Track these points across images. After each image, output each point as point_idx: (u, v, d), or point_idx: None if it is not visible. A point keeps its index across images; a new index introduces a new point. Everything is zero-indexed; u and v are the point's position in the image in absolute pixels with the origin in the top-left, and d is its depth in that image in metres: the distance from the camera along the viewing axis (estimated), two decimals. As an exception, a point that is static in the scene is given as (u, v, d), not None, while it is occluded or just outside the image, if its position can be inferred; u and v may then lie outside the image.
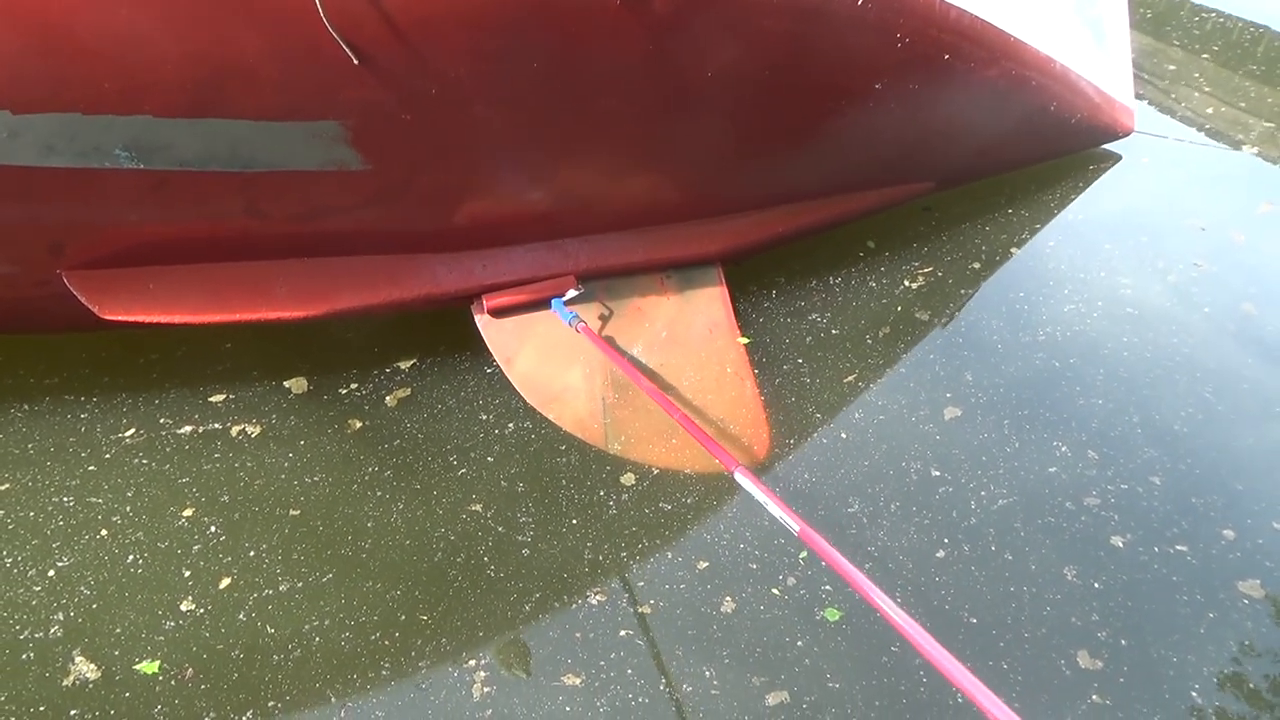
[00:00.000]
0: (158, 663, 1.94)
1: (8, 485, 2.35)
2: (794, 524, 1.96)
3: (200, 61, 2.02)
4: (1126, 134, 3.84)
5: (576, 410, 2.61)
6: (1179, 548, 2.29)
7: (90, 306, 2.33)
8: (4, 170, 2.06)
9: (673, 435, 2.55)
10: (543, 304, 2.73)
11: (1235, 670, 2.05)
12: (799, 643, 2.06)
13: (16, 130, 2.00)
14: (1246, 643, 2.09)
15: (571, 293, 2.72)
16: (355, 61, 2.07)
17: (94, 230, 2.30)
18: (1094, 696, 1.97)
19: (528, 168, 2.54)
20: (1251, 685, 2.02)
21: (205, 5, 1.96)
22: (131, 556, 2.17)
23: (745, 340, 2.88)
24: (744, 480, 2.11)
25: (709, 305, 2.88)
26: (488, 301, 2.69)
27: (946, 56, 2.85)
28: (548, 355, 2.70)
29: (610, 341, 2.70)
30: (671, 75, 2.43)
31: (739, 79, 2.53)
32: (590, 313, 2.76)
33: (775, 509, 2.01)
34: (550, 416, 2.61)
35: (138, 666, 1.94)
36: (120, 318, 2.35)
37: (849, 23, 2.57)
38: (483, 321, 2.71)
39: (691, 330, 2.83)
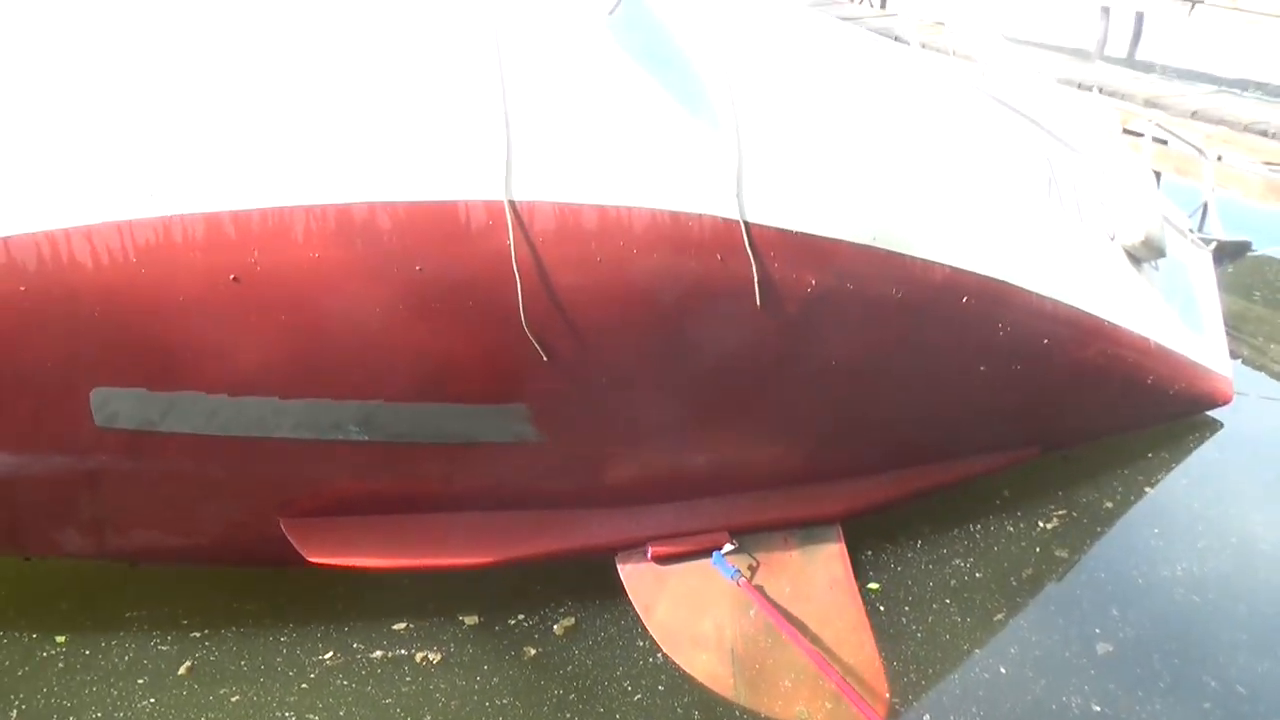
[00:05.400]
0: None
1: (238, 698, 3.08)
2: None
3: (426, 359, 2.96)
4: (1227, 402, 4.82)
5: (708, 660, 3.30)
6: (1339, 783, 2.89)
7: (300, 550, 3.19)
8: (266, 442, 2.99)
9: (798, 694, 3.20)
10: (702, 554, 3.50)
11: None
12: None
13: (281, 411, 2.95)
14: None
15: (728, 547, 3.51)
16: (544, 358, 2.99)
17: (318, 487, 3.21)
18: None
19: (676, 441, 3.44)
20: None
21: (434, 315, 2.89)
22: (361, 770, 2.81)
23: (875, 586, 3.66)
24: None
25: (829, 563, 3.64)
26: (653, 549, 3.48)
27: (1045, 341, 3.83)
28: (681, 606, 3.45)
29: (762, 593, 3.44)
30: (801, 363, 3.35)
31: (858, 366, 3.46)
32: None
33: None
34: (681, 664, 3.31)
35: None
36: (323, 560, 3.21)
37: (955, 316, 3.54)
38: (625, 572, 3.49)
39: (814, 586, 3.57)
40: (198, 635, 3.33)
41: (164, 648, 3.28)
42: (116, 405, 2.87)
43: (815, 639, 3.33)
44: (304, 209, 2.73)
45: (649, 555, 3.48)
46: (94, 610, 3.42)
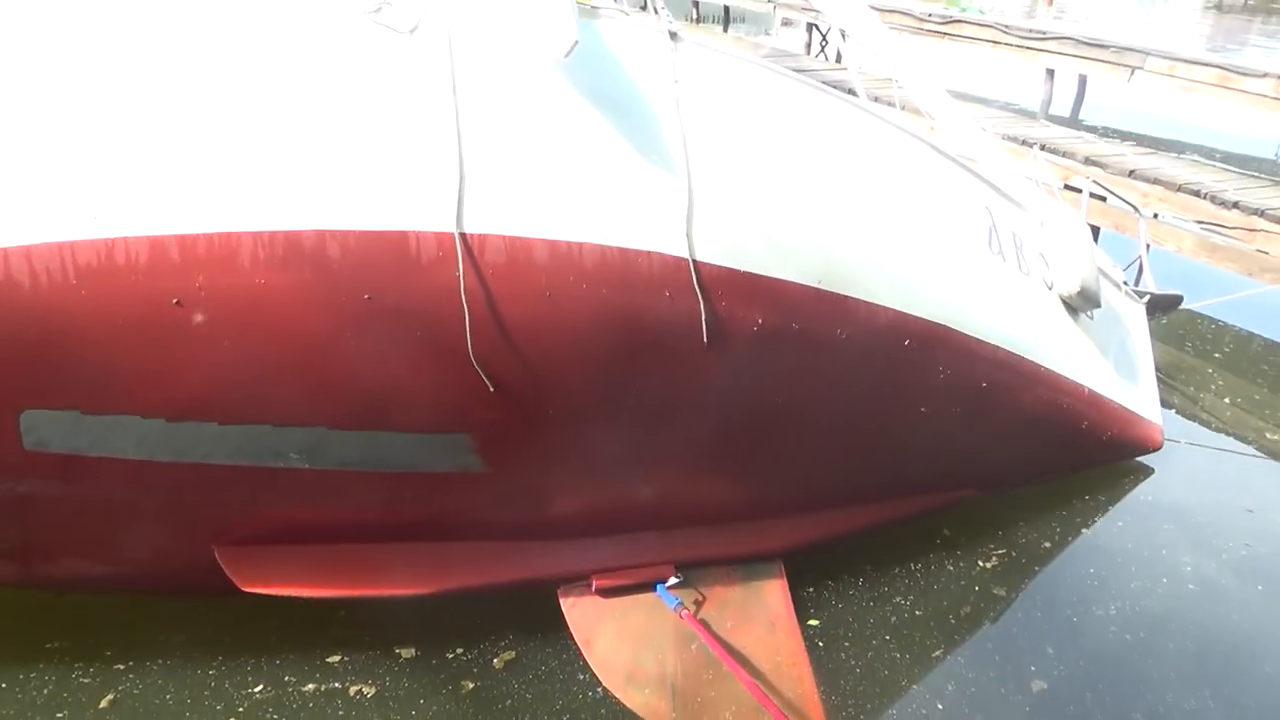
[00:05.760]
0: None
1: (160, 735, 2.99)
2: None
3: (371, 387, 2.97)
4: (1157, 448, 5.04)
5: (648, 695, 3.33)
6: (1264, 820, 2.97)
7: (233, 578, 3.15)
8: (203, 468, 2.97)
9: None
10: (645, 587, 3.53)
11: None
12: None
13: (221, 437, 2.93)
14: None
15: (673, 580, 3.55)
16: (490, 389, 3.01)
17: (254, 514, 3.18)
18: None
19: (619, 475, 3.48)
20: None
21: (381, 344, 2.90)
22: (292, 806, 2.75)
23: (814, 622, 3.71)
24: None
25: (770, 597, 3.71)
26: (596, 582, 3.50)
27: (984, 385, 3.98)
28: (622, 640, 3.47)
29: (705, 626, 3.46)
30: (746, 401, 3.42)
31: (802, 405, 3.55)
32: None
33: None
34: (621, 698, 3.33)
35: None
36: (257, 589, 3.17)
37: (897, 358, 3.66)
38: (566, 605, 3.51)
39: (754, 621, 3.63)
40: (122, 667, 3.26)
41: (85, 680, 3.21)
42: (46, 428, 2.84)
43: (755, 672, 3.36)
44: (251, 234, 2.74)
45: (593, 588, 3.49)
46: (13, 640, 3.33)
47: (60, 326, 2.69)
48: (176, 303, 2.69)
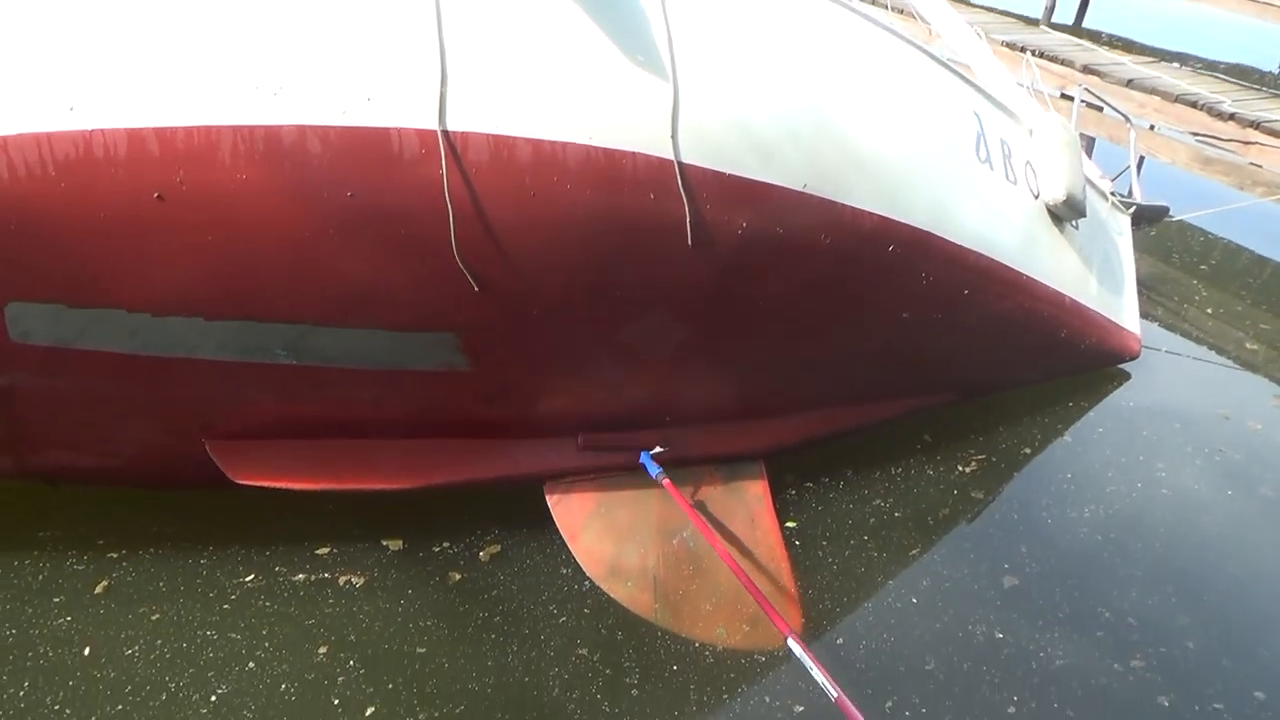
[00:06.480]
0: (324, 779, 2.63)
1: (158, 616, 3.14)
2: (832, 691, 2.72)
3: (355, 284, 3.01)
4: (1135, 356, 5.17)
5: (631, 586, 3.45)
6: (1216, 706, 3.18)
7: (226, 470, 3.25)
8: (189, 362, 3.03)
9: (717, 617, 3.37)
10: (632, 456, 3.60)
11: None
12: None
13: (205, 332, 2.99)
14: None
15: (659, 448, 3.63)
16: (475, 288, 3.06)
17: (242, 410, 3.26)
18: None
19: (604, 375, 3.55)
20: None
21: (364, 241, 2.94)
22: (284, 686, 2.94)
23: (792, 524, 3.83)
24: (795, 646, 2.91)
25: (751, 495, 3.83)
26: (583, 441, 3.59)
27: (966, 291, 4.03)
28: (606, 534, 3.59)
29: (659, 524, 3.58)
30: (730, 303, 3.48)
31: (785, 308, 3.61)
32: (647, 494, 3.62)
33: (818, 675, 2.79)
34: (605, 589, 3.46)
35: (307, 782, 2.63)
36: (249, 482, 3.27)
37: (880, 264, 3.70)
38: (552, 500, 3.62)
39: (734, 517, 3.74)
40: (114, 556, 3.37)
41: (79, 567, 3.32)
42: (31, 320, 2.88)
43: (736, 562, 3.49)
44: (231, 128, 2.74)
45: (579, 444, 3.58)
46: (6, 528, 3.43)
47: (41, 219, 2.71)
48: (158, 197, 2.72)
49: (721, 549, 3.34)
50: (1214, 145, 8.07)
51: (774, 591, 3.46)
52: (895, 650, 3.29)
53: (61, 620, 3.12)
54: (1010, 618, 3.46)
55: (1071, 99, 6.16)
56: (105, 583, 3.26)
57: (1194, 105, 8.30)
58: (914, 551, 3.78)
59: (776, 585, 3.49)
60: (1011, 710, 3.11)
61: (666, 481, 3.53)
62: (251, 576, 3.34)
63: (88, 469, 3.38)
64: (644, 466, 3.60)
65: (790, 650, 2.92)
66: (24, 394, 3.07)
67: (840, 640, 3.33)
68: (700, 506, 3.66)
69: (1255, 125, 7.87)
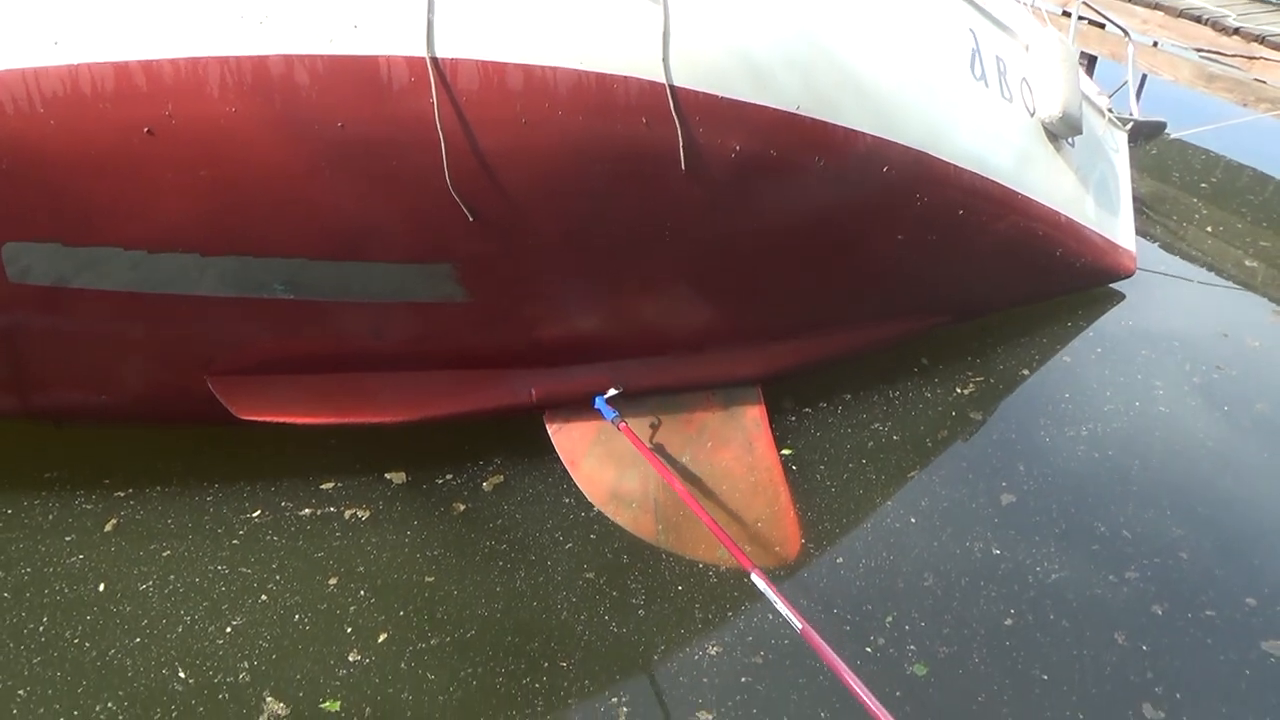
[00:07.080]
0: (339, 702, 2.78)
1: (169, 553, 3.22)
2: (797, 623, 2.74)
3: (350, 217, 3.03)
4: (1130, 274, 5.19)
5: (634, 510, 3.54)
6: (1208, 613, 3.27)
7: (228, 407, 3.30)
8: (188, 299, 3.06)
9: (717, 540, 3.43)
10: (585, 400, 3.63)
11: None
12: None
13: (203, 268, 3.01)
14: None
15: (611, 391, 3.66)
16: (470, 219, 3.08)
17: (243, 346, 3.30)
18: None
19: (600, 303, 3.60)
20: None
21: (357, 173, 2.95)
22: (297, 616, 3.03)
23: (787, 451, 3.90)
24: (759, 581, 2.90)
25: (749, 420, 3.89)
26: (536, 391, 3.60)
27: (960, 212, 4.04)
28: (607, 461, 3.66)
29: (657, 449, 3.64)
30: (724, 227, 3.49)
31: (780, 232, 3.63)
32: (643, 422, 3.73)
33: (782, 608, 2.79)
34: (608, 513, 3.54)
35: (323, 705, 2.78)
36: (253, 417, 3.32)
37: (875, 185, 3.70)
38: (553, 429, 3.68)
39: (732, 441, 3.82)
40: (122, 494, 3.45)
41: (88, 506, 3.40)
42: (29, 260, 2.91)
43: (733, 487, 3.58)
44: (218, 60, 2.73)
45: (533, 397, 3.61)
46: (13, 470, 3.51)
47: (33, 157, 2.72)
48: (148, 131, 2.72)
49: (680, 488, 3.35)
50: (1218, 61, 7.99)
51: (774, 511, 3.55)
52: (894, 567, 3.39)
53: (75, 558, 3.20)
54: (1007, 534, 3.55)
55: (1069, 15, 6.09)
56: (115, 521, 3.34)
57: (1198, 20, 8.18)
58: (912, 473, 3.86)
59: (775, 506, 3.57)
60: (1009, 622, 3.21)
61: (623, 425, 3.56)
62: (258, 512, 3.42)
63: (91, 408, 3.43)
64: (599, 411, 3.62)
65: (754, 585, 2.88)
66: (25, 334, 3.11)
67: (840, 559, 3.42)
68: (698, 431, 3.73)
69: (1260, 40, 7.77)
